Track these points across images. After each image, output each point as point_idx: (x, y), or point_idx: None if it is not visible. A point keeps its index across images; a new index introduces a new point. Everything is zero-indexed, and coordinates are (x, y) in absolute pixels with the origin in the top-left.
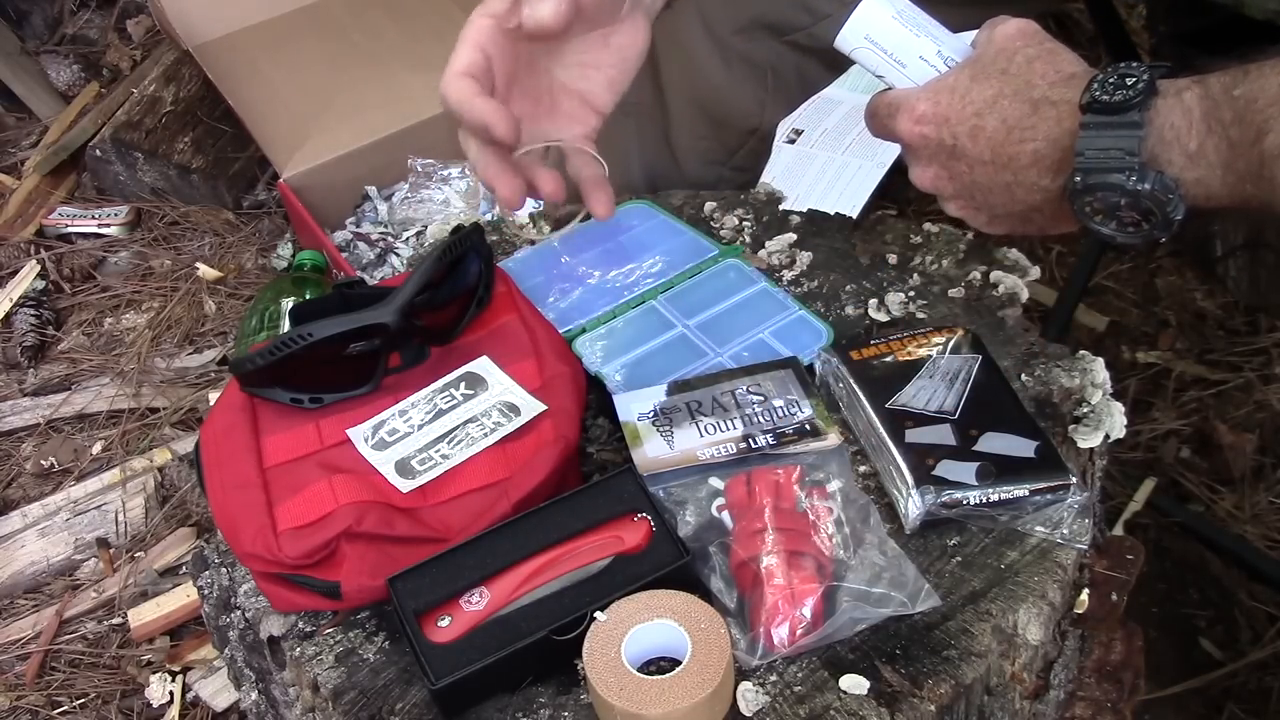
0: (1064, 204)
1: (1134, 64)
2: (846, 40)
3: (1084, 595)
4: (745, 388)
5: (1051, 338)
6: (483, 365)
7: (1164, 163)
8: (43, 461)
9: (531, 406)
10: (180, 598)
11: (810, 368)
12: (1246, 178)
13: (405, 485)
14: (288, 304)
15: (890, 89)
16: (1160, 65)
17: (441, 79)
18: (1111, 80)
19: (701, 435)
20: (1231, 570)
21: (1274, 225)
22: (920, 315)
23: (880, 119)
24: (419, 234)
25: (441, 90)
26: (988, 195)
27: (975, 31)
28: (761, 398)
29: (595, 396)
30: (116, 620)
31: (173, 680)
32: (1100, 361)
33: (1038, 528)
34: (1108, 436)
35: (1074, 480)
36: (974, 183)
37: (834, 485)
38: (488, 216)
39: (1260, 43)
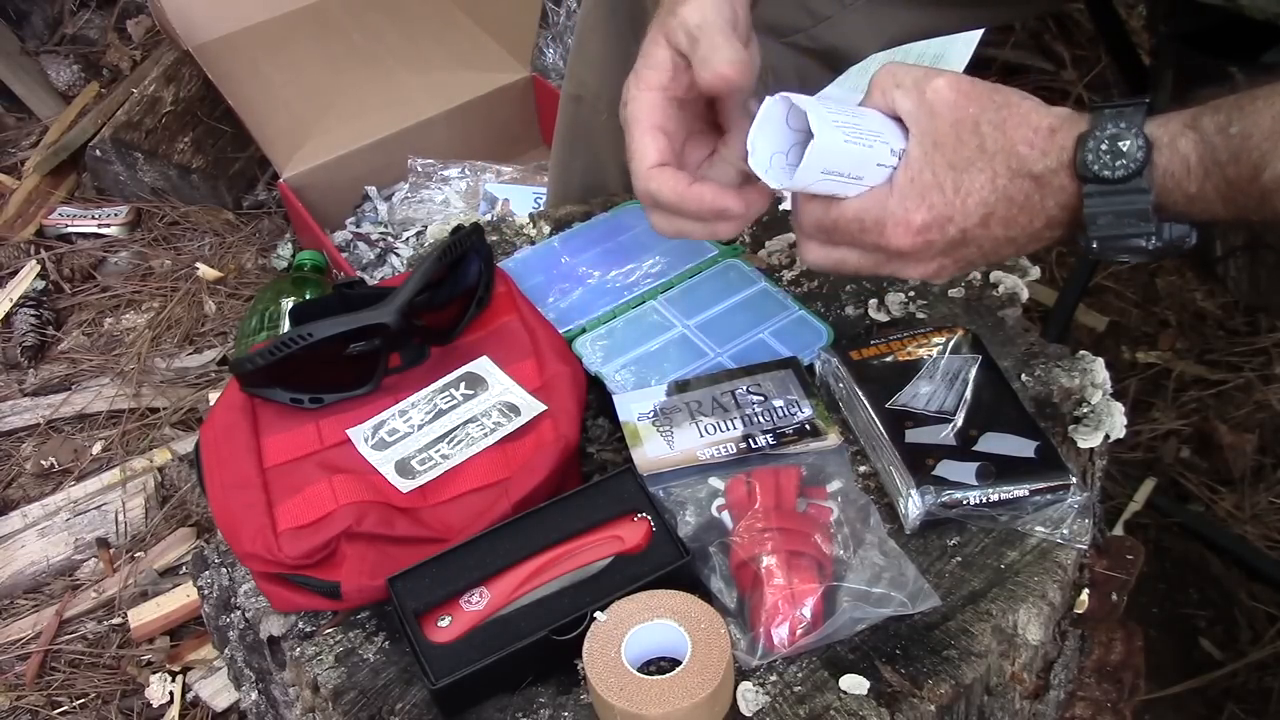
0: (1072, 240)
1: (1119, 120)
2: (803, 181)
3: (1084, 595)
4: (745, 388)
5: (1051, 338)
6: (483, 365)
7: (1167, 206)
8: (43, 461)
9: (531, 406)
10: (180, 598)
11: (810, 368)
12: (1247, 210)
13: (405, 485)
14: (288, 304)
15: (841, 200)
16: (1139, 102)
17: (637, 175)
18: (1105, 149)
19: (701, 435)
20: (1231, 570)
21: (1275, 232)
22: (920, 315)
23: (849, 235)
24: (419, 234)
25: (643, 187)
26: (990, 257)
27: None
28: (761, 398)
29: (595, 396)
30: (116, 620)
31: (173, 680)
32: (1100, 361)
33: (1038, 528)
34: (1108, 436)
35: (1074, 480)
36: (981, 255)
37: (834, 485)
38: (487, 216)
39: (1260, 43)
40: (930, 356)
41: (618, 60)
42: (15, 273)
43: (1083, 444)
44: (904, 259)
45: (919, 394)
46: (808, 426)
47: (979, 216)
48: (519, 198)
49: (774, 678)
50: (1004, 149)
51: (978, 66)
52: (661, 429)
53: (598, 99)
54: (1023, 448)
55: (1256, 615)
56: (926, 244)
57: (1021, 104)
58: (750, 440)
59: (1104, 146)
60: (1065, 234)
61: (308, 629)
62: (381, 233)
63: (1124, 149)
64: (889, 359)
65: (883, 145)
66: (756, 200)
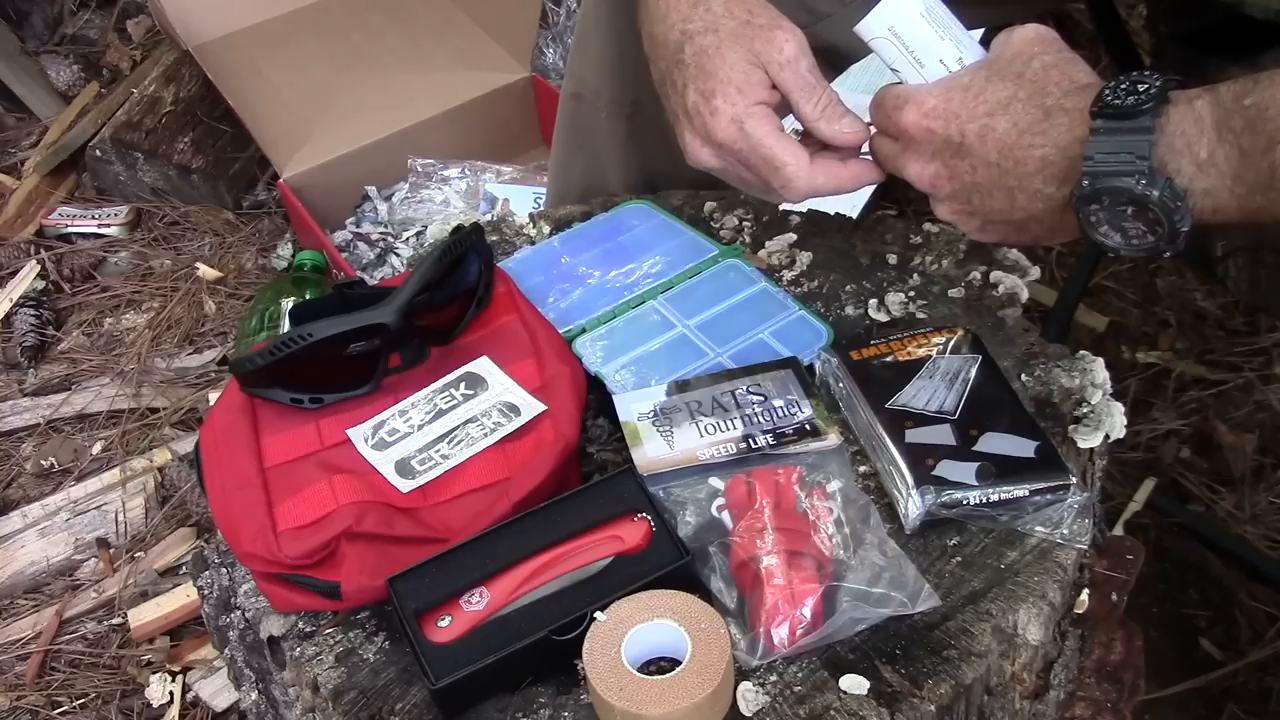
0: (1065, 214)
1: (1147, 72)
2: (869, 27)
3: (1084, 595)
4: (745, 388)
5: (1051, 338)
6: (483, 365)
7: (1173, 171)
8: (43, 461)
9: (531, 406)
10: (180, 598)
11: (810, 368)
12: (1257, 188)
13: (405, 485)
14: (288, 304)
15: (901, 83)
16: (1173, 77)
17: (798, 175)
18: (1124, 86)
19: (701, 435)
20: (1231, 570)
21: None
22: (920, 315)
23: (886, 109)
24: (419, 234)
25: (807, 184)
26: (986, 199)
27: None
28: (761, 398)
29: (595, 396)
30: (116, 620)
31: (173, 680)
32: (1100, 361)
33: (1038, 528)
34: (1108, 436)
35: (1074, 480)
36: (975, 184)
37: (834, 485)
38: (487, 216)
39: (1261, 43)
40: (930, 356)
41: (618, 59)
42: (15, 273)
43: (1083, 444)
44: (907, 150)
45: (919, 394)
46: (808, 426)
47: (980, 125)
48: (519, 198)
49: (774, 678)
50: (1036, 80)
51: None
52: (661, 429)
53: (598, 97)
54: (1023, 448)
55: (1256, 615)
56: (927, 132)
57: (1078, 63)
58: (750, 440)
59: (1123, 85)
60: (1057, 194)
61: (308, 629)
62: (381, 233)
63: (1140, 88)
64: (889, 359)
65: (954, 47)
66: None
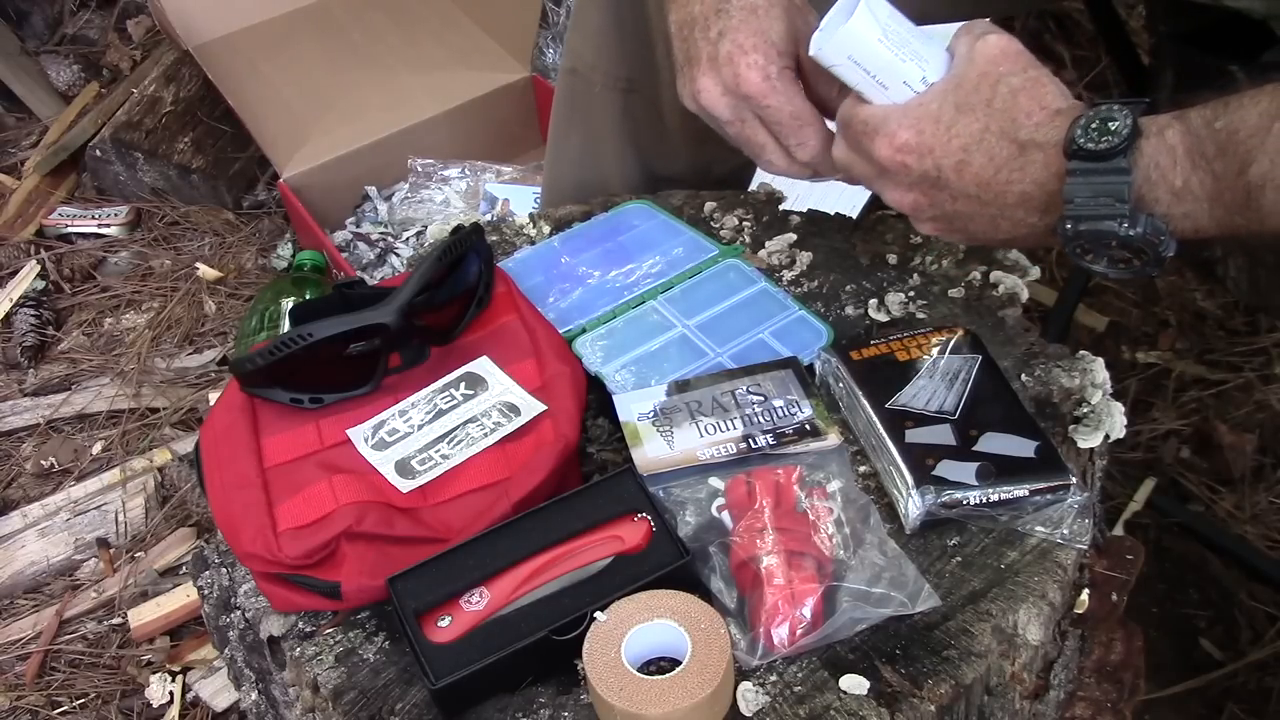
0: (1051, 236)
1: (1114, 105)
2: (827, 54)
3: (1084, 595)
4: (745, 388)
5: (1051, 338)
6: (483, 365)
7: (1150, 202)
8: (43, 461)
9: (531, 406)
10: (180, 598)
11: (810, 368)
12: (1234, 209)
13: (405, 485)
14: (288, 304)
15: (865, 102)
16: (1139, 101)
17: (809, 149)
18: (1095, 125)
19: (701, 435)
20: (1231, 570)
21: (1260, 240)
22: (920, 315)
23: (854, 134)
24: (419, 234)
25: (815, 157)
26: (969, 223)
27: (952, 29)
28: (761, 398)
29: (595, 396)
30: (116, 620)
31: (173, 680)
32: (1100, 361)
33: (1038, 528)
34: (1108, 436)
35: (1074, 480)
36: (956, 211)
37: (834, 485)
38: (487, 216)
39: (1260, 42)
40: (930, 356)
41: (615, 34)
42: (15, 273)
43: (1083, 444)
44: (883, 177)
45: (919, 394)
46: (808, 426)
47: (955, 161)
48: (519, 198)
49: (774, 678)
50: (1005, 110)
51: None
52: (661, 429)
53: (592, 71)
54: (1023, 448)
55: (1256, 615)
56: (902, 166)
57: (1045, 83)
58: (750, 440)
59: (1094, 125)
60: (1040, 223)
61: (308, 629)
62: (381, 233)
63: (1111, 127)
64: (889, 359)
65: (916, 67)
66: None
